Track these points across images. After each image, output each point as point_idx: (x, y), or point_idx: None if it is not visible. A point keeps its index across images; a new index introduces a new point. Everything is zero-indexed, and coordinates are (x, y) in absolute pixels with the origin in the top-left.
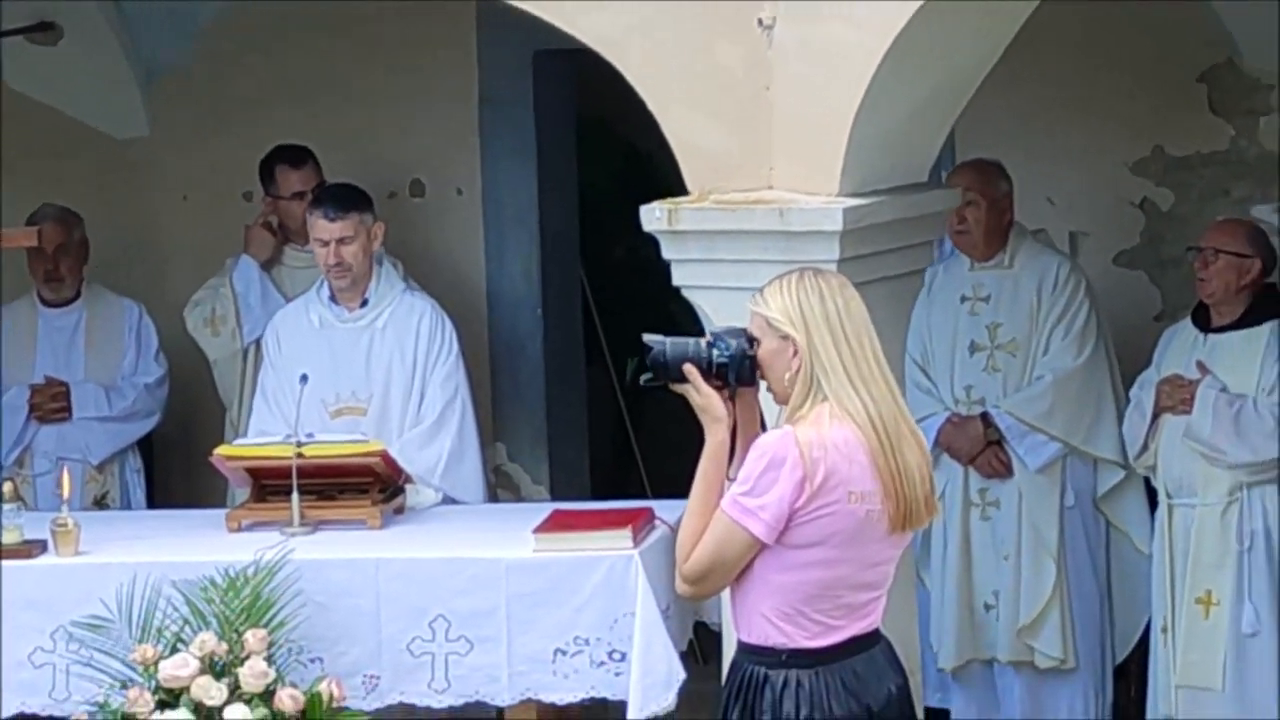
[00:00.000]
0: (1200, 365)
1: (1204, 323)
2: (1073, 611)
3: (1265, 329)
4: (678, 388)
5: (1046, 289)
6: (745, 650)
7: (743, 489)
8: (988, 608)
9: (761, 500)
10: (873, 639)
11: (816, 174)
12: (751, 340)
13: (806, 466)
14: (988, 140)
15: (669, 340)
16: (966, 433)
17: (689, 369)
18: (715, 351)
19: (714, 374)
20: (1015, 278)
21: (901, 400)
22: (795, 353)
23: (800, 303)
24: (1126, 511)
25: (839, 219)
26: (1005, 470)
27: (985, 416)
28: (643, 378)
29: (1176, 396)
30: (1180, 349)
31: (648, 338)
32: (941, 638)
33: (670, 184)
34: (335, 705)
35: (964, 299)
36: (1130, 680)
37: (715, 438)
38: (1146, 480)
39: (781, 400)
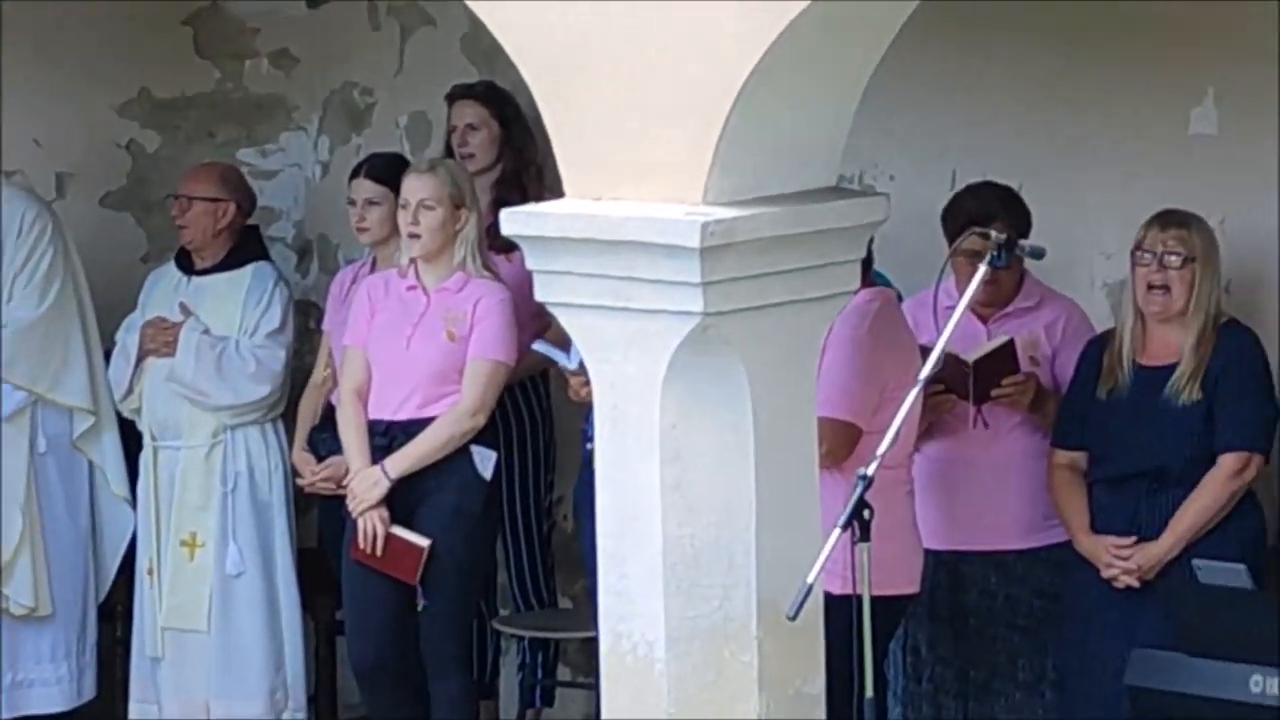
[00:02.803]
0: (183, 307)
1: (188, 266)
2: (48, 557)
3: (247, 271)
4: None
5: (11, 236)
6: None
7: None
8: None
9: None
10: None
11: None
12: None
13: None
14: None
15: None
16: None
17: None
18: None
19: None
20: None
21: None
22: None
23: None
24: (102, 453)
25: None
26: None
27: None
28: None
29: (160, 339)
30: (165, 291)
31: None
32: None
33: None
34: None
35: None
36: (117, 621)
37: None
38: (124, 421)
39: None
